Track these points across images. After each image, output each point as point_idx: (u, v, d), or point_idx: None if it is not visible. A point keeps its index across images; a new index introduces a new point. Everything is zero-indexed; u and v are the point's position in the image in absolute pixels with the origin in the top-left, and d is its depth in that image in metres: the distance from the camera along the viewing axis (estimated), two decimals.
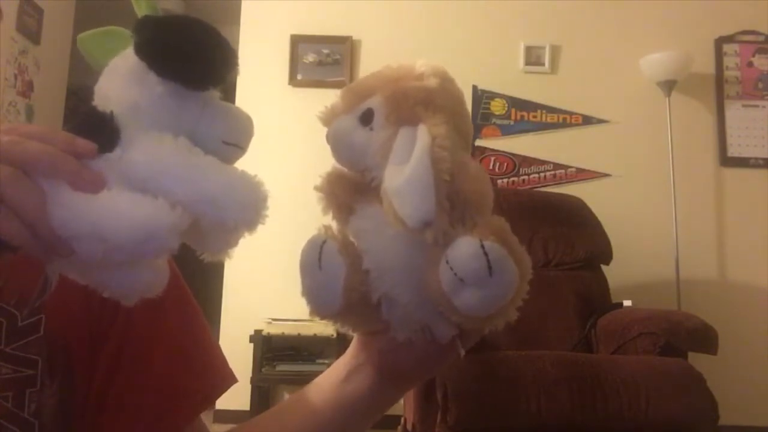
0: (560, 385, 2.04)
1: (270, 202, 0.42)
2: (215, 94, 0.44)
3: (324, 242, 0.47)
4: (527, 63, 3.57)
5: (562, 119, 3.55)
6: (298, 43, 3.57)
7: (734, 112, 3.55)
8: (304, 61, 3.57)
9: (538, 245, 2.84)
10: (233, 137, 0.45)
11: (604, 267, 2.95)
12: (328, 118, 0.50)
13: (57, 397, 0.55)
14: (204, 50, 0.41)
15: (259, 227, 0.43)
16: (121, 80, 0.43)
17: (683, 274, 3.27)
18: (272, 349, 3.19)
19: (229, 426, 0.66)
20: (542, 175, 3.51)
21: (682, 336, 2.26)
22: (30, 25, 3.41)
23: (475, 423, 2.03)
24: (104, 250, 0.37)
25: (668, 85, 3.34)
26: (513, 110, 3.54)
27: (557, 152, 3.52)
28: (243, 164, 0.43)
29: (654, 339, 2.30)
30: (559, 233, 2.88)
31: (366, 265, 0.47)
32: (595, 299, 2.81)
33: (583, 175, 3.51)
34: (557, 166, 3.51)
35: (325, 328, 3.05)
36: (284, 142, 3.41)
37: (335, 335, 3.05)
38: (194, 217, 0.40)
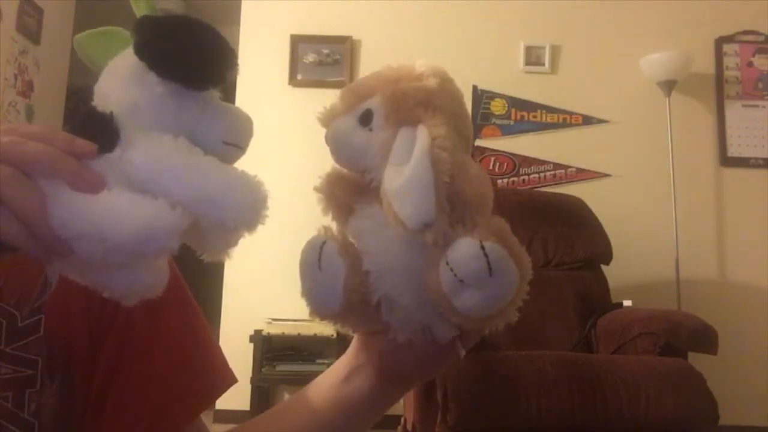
0: (560, 385, 2.04)
1: (270, 203, 0.42)
2: (215, 94, 0.44)
3: (324, 243, 0.47)
4: (527, 63, 3.57)
5: (562, 119, 3.55)
6: (298, 43, 3.57)
7: (734, 112, 3.55)
8: (304, 61, 3.57)
9: (538, 245, 2.84)
10: (233, 137, 0.45)
11: (604, 267, 2.95)
12: (327, 119, 0.50)
13: (57, 398, 0.55)
14: (204, 50, 0.41)
15: (259, 227, 0.43)
16: (121, 80, 0.43)
17: (683, 274, 3.27)
18: (272, 349, 3.19)
19: (229, 426, 0.66)
20: (542, 175, 3.51)
21: (682, 336, 2.26)
22: (30, 25, 3.41)
23: (475, 423, 2.03)
24: (104, 250, 0.37)
25: (668, 85, 3.34)
26: (513, 110, 3.54)
27: (557, 152, 3.52)
28: (243, 164, 0.43)
29: (654, 339, 2.31)
30: (559, 233, 2.88)
31: (366, 266, 0.47)
32: (595, 299, 2.81)
33: (583, 175, 3.51)
34: (557, 166, 3.51)
35: (325, 328, 3.05)
36: (284, 142, 3.41)
37: (335, 335, 3.05)
38: (194, 218, 0.40)
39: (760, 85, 3.58)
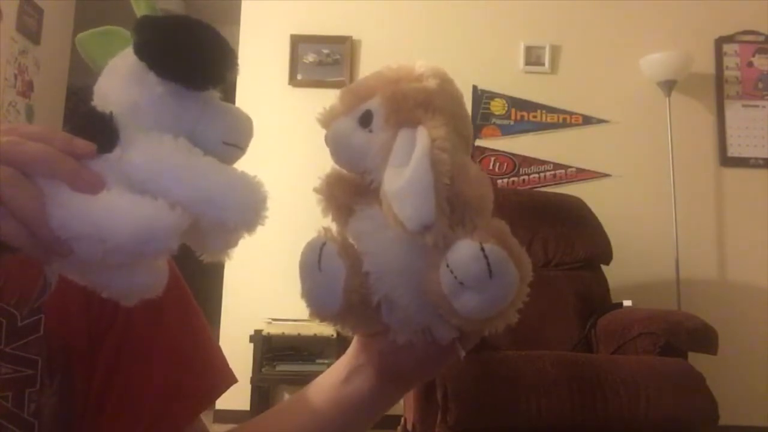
0: (560, 385, 2.04)
1: (270, 203, 0.42)
2: (215, 94, 0.44)
3: (323, 244, 0.47)
4: (527, 63, 3.57)
5: (562, 119, 3.55)
6: (298, 43, 3.57)
7: (734, 112, 3.55)
8: (304, 61, 3.57)
9: (538, 245, 2.84)
10: (233, 138, 0.45)
11: (604, 267, 2.95)
12: (327, 120, 0.50)
13: (57, 397, 0.55)
14: (203, 50, 0.41)
15: (259, 228, 0.43)
16: (121, 80, 0.43)
17: (683, 274, 3.27)
18: (272, 349, 3.19)
19: (229, 426, 0.66)
20: (542, 175, 3.51)
21: (682, 336, 2.26)
22: (30, 25, 3.41)
23: (475, 423, 2.03)
24: (104, 250, 0.37)
25: (668, 85, 3.34)
26: (513, 110, 3.54)
27: (557, 152, 3.52)
28: (243, 164, 0.43)
29: (654, 339, 2.31)
30: (559, 233, 2.88)
31: (366, 268, 0.47)
32: (595, 299, 2.81)
33: (583, 175, 3.51)
34: (557, 166, 3.51)
35: (325, 328, 3.05)
36: (284, 142, 3.41)
37: (335, 335, 3.05)
38: (194, 218, 0.40)
39: (760, 85, 3.58)
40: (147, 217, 0.38)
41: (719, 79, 3.58)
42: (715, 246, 3.46)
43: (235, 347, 2.92)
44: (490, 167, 3.48)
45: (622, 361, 2.22)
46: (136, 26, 0.42)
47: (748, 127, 3.54)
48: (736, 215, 3.47)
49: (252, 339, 3.12)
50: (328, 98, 0.50)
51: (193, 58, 0.41)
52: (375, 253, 0.47)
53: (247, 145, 0.45)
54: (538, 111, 3.55)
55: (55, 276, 0.42)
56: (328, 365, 0.67)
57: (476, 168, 0.46)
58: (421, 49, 3.48)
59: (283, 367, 3.14)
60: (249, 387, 3.09)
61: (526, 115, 3.55)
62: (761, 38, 3.61)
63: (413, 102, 0.46)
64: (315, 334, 3.06)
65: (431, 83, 0.47)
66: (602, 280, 2.90)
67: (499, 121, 3.54)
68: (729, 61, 3.59)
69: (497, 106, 3.54)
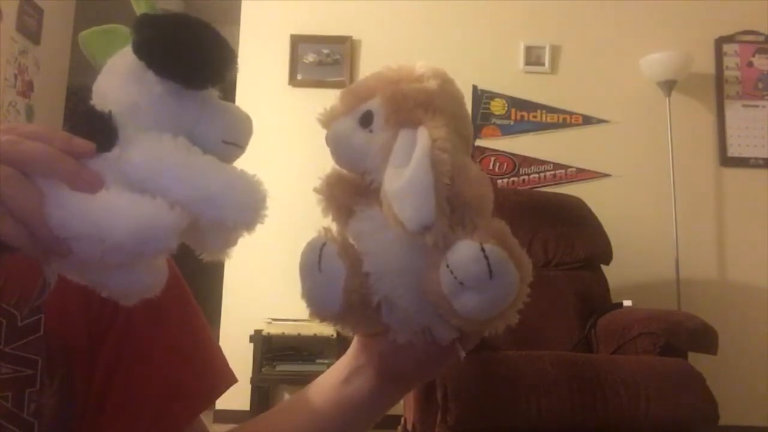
0: (560, 385, 2.04)
1: (269, 202, 0.42)
2: (214, 93, 0.44)
3: (324, 245, 0.47)
4: (527, 63, 3.57)
5: (562, 119, 3.55)
6: (298, 43, 3.57)
7: (734, 112, 3.55)
8: (304, 61, 3.57)
9: (538, 245, 2.84)
10: (232, 136, 0.44)
11: (604, 267, 2.95)
12: (328, 120, 0.50)
13: (56, 397, 0.55)
14: (203, 49, 0.41)
15: (259, 227, 0.42)
16: (120, 79, 0.43)
17: (683, 274, 3.27)
18: (272, 349, 3.19)
19: (229, 426, 0.66)
20: (542, 175, 3.51)
21: (682, 336, 2.26)
22: (30, 25, 3.41)
23: (475, 423, 2.03)
24: (103, 250, 0.37)
25: (668, 85, 3.34)
26: (513, 110, 3.54)
27: (557, 152, 3.52)
28: (243, 164, 0.43)
29: (654, 339, 2.30)
30: (559, 233, 2.88)
31: (366, 268, 0.47)
32: (595, 299, 2.81)
33: (583, 175, 3.51)
34: (557, 166, 3.51)
35: (325, 329, 3.05)
36: (284, 142, 3.40)
37: (335, 335, 3.05)
38: (193, 217, 0.40)
39: (760, 85, 3.58)
40: (146, 217, 0.38)
41: (719, 79, 3.58)
42: (715, 246, 3.46)
43: (235, 347, 2.92)
44: (490, 167, 3.48)
45: (622, 361, 2.22)
46: (135, 25, 0.42)
47: (748, 127, 3.54)
48: (736, 215, 3.47)
49: (252, 339, 3.12)
50: (328, 98, 0.50)
51: (192, 57, 0.41)
52: (375, 254, 0.47)
53: (246, 144, 0.45)
54: (538, 111, 3.55)
55: (54, 275, 0.41)
56: (328, 365, 0.67)
57: (476, 168, 0.46)
58: (421, 49, 3.48)
59: (283, 367, 3.14)
60: (249, 387, 3.09)
61: (526, 115, 3.55)
62: (761, 38, 3.61)
63: (414, 102, 0.46)
64: (315, 334, 3.06)
65: (432, 84, 0.47)
66: (602, 280, 2.90)
67: (499, 121, 3.54)
68: (729, 61, 3.59)
69: (497, 106, 3.54)
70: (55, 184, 0.38)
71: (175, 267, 0.58)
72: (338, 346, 3.07)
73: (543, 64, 3.57)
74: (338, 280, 0.46)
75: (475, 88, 3.52)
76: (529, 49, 3.57)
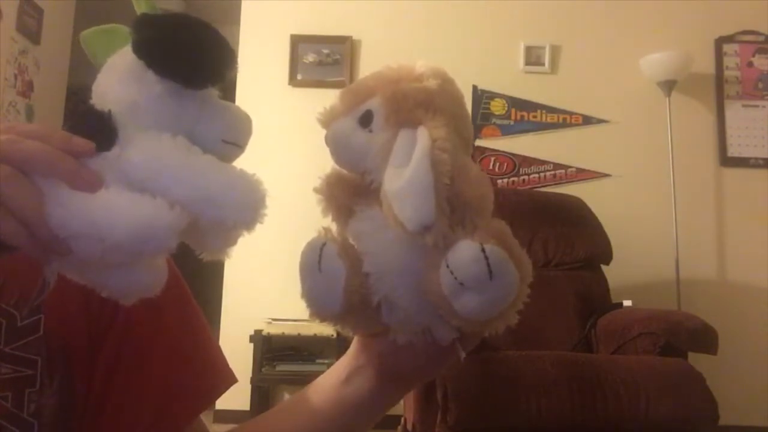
0: (560, 385, 2.04)
1: (269, 202, 0.42)
2: (214, 92, 0.44)
3: (324, 245, 0.47)
4: (527, 63, 3.57)
5: (562, 119, 3.55)
6: (298, 43, 3.57)
7: (734, 112, 3.55)
8: (304, 61, 3.57)
9: (538, 245, 2.84)
10: (232, 136, 0.44)
11: (604, 267, 2.94)
12: (327, 120, 0.50)
13: (56, 397, 0.55)
14: (202, 49, 0.41)
15: (259, 227, 0.42)
16: (119, 78, 0.43)
17: (683, 274, 3.27)
18: (272, 349, 3.19)
19: (229, 426, 0.66)
20: (542, 175, 3.51)
21: (682, 336, 2.26)
22: (30, 25, 3.41)
23: (475, 423, 2.03)
24: (102, 249, 0.37)
25: (668, 85, 3.34)
26: (513, 110, 3.54)
27: (557, 152, 3.52)
28: (243, 164, 0.43)
29: (654, 339, 2.30)
30: (559, 233, 2.88)
31: (366, 268, 0.47)
32: (595, 299, 2.80)
33: (583, 175, 3.51)
34: (557, 166, 3.51)
35: (325, 329, 3.05)
36: (284, 142, 3.40)
37: (335, 335, 3.05)
38: (193, 216, 0.40)
39: (760, 85, 3.58)
40: (146, 216, 0.38)
41: (719, 79, 3.58)
42: (715, 246, 3.46)
43: (235, 347, 2.92)
44: (490, 167, 3.48)
45: (622, 361, 2.22)
46: (135, 24, 0.42)
47: (748, 127, 3.54)
48: (736, 215, 3.47)
49: (252, 339, 3.12)
50: (328, 98, 0.50)
51: (192, 57, 0.41)
52: (375, 254, 0.47)
53: (246, 143, 0.45)
54: (538, 111, 3.55)
55: (54, 275, 0.41)
56: (328, 365, 0.67)
57: (476, 168, 0.46)
58: (421, 49, 3.48)
59: (283, 367, 3.14)
60: (249, 387, 3.09)
61: (526, 115, 3.55)
62: (761, 38, 3.61)
63: (414, 102, 0.46)
64: (315, 334, 3.06)
65: (432, 83, 0.47)
66: (602, 280, 2.90)
67: (499, 121, 3.54)
68: (729, 61, 3.59)
69: (497, 106, 3.54)
70: (54, 184, 0.38)
71: (175, 267, 0.58)
72: (338, 346, 3.07)
73: (543, 64, 3.57)
74: (338, 280, 0.46)
75: (475, 88, 3.52)
76: (529, 49, 3.57)
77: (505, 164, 3.51)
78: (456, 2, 3.59)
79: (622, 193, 3.45)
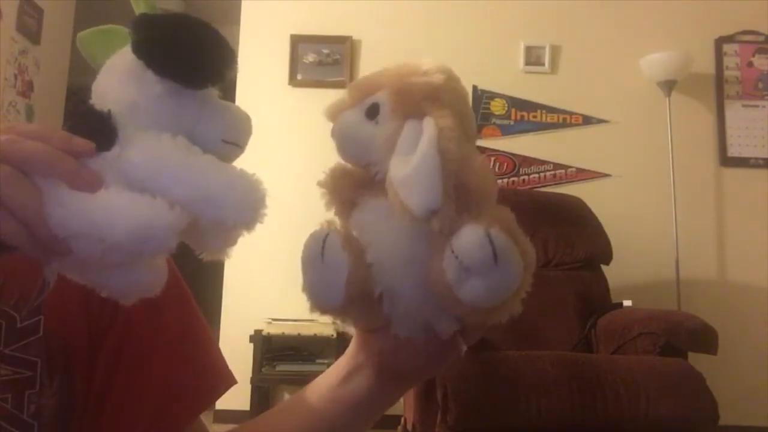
0: (560, 385, 2.04)
1: (269, 202, 0.42)
2: (213, 92, 0.44)
3: (327, 236, 0.47)
4: (527, 63, 3.57)
5: (562, 119, 3.55)
6: (298, 43, 3.57)
7: (734, 112, 3.55)
8: (304, 61, 3.57)
9: (538, 245, 2.82)
10: (232, 136, 0.44)
11: (604, 267, 2.94)
12: (334, 113, 0.50)
13: (56, 398, 0.55)
14: (202, 49, 0.41)
15: (259, 227, 0.42)
16: (119, 79, 0.43)
17: (683, 274, 3.27)
18: (272, 349, 3.18)
19: (229, 426, 0.66)
20: (542, 175, 3.51)
21: (682, 336, 2.26)
22: (30, 25, 3.41)
23: (475, 423, 2.03)
24: (102, 249, 0.37)
25: (668, 85, 3.34)
26: (513, 110, 3.54)
27: (557, 152, 3.52)
28: (243, 164, 0.43)
29: (654, 339, 2.30)
30: (559, 233, 2.88)
31: (369, 259, 0.47)
32: (595, 299, 2.80)
33: (583, 175, 3.51)
34: (557, 166, 3.51)
35: (325, 328, 3.06)
36: (284, 142, 3.40)
37: (335, 335, 3.05)
38: (193, 216, 0.40)
39: (760, 85, 3.58)
40: (145, 216, 0.38)
41: (719, 79, 3.58)
42: (715, 246, 3.46)
43: (235, 347, 2.93)
44: (490, 167, 3.47)
45: (622, 361, 2.22)
46: (134, 24, 0.42)
47: (748, 127, 3.54)
48: (736, 215, 3.47)
49: (252, 339, 3.12)
50: (328, 98, 0.51)
51: (192, 57, 0.41)
52: (378, 244, 0.47)
53: (246, 143, 0.45)
54: (538, 111, 3.55)
55: (53, 275, 0.41)
56: (328, 365, 0.67)
57: (481, 158, 0.46)
58: (421, 49, 3.48)
59: (283, 367, 3.14)
60: (249, 387, 3.09)
61: (526, 115, 3.55)
62: (761, 38, 3.61)
63: (420, 94, 0.46)
64: (315, 334, 3.06)
65: (438, 78, 0.47)
66: (602, 280, 2.90)
67: (499, 121, 3.54)
68: (729, 61, 3.59)
69: (497, 106, 3.54)
70: (54, 184, 0.38)
71: (175, 267, 0.58)
72: (338, 346, 3.07)
73: (543, 64, 3.57)
74: (341, 271, 0.46)
75: (475, 88, 3.52)
76: (529, 49, 3.57)
77: (505, 164, 3.51)
78: (456, 2, 3.59)
79: (622, 193, 3.45)
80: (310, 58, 3.57)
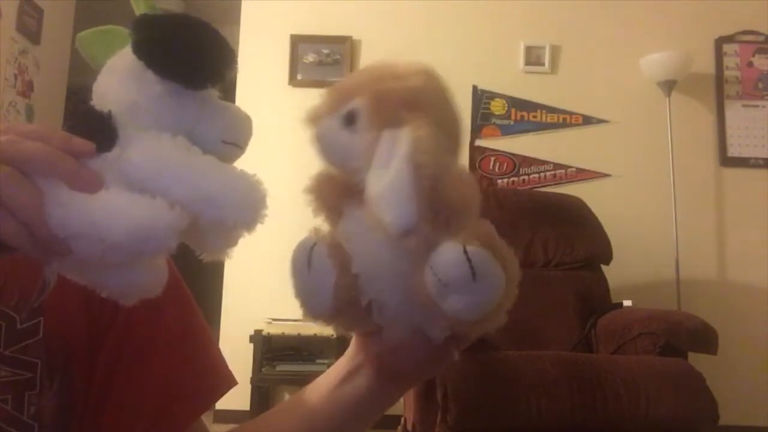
0: (560, 385, 2.04)
1: (269, 202, 0.42)
2: (214, 92, 0.44)
3: (314, 245, 0.47)
4: (527, 63, 3.57)
5: (562, 119, 3.55)
6: (298, 43, 3.57)
7: (734, 112, 3.55)
8: (304, 61, 3.57)
9: (538, 245, 2.84)
10: (232, 136, 0.44)
11: (604, 267, 2.94)
12: (312, 120, 0.49)
13: (56, 399, 0.55)
14: (202, 49, 0.41)
15: (259, 227, 0.42)
16: (119, 79, 0.43)
17: (683, 274, 3.27)
18: (272, 349, 3.18)
19: (229, 426, 0.66)
20: (542, 175, 3.51)
21: (682, 336, 2.26)
22: (30, 25, 3.41)
23: (475, 423, 2.03)
24: (102, 249, 0.37)
25: (668, 85, 3.34)
26: (513, 110, 3.54)
27: (557, 152, 3.52)
28: (243, 164, 0.43)
29: (654, 339, 2.30)
30: (559, 233, 2.88)
31: (355, 269, 0.46)
32: (595, 299, 2.80)
33: (583, 175, 3.51)
34: (557, 166, 3.51)
35: (325, 328, 3.05)
36: (284, 142, 3.40)
37: (335, 335, 3.05)
38: (193, 217, 0.40)
39: (760, 85, 3.58)
40: (146, 216, 0.38)
41: (719, 79, 3.57)
42: (715, 246, 3.46)
43: (235, 347, 2.92)
44: (490, 167, 3.48)
45: (622, 361, 2.22)
46: (135, 24, 0.42)
47: (748, 127, 3.54)
48: (736, 215, 3.47)
49: (252, 339, 3.12)
50: None
51: (192, 57, 0.41)
52: (363, 255, 0.46)
53: (246, 144, 0.45)
54: (538, 111, 3.55)
55: (53, 275, 0.41)
56: (328, 365, 0.67)
57: (461, 169, 0.46)
58: (421, 49, 3.48)
59: (283, 367, 3.14)
60: (249, 387, 3.09)
61: (526, 115, 3.55)
62: (761, 38, 3.61)
63: (397, 101, 0.45)
64: (315, 334, 3.06)
65: (416, 81, 0.46)
66: (602, 280, 2.90)
67: (499, 121, 3.54)
68: (729, 61, 3.58)
69: (497, 106, 3.54)
70: (54, 184, 0.38)
71: (175, 267, 0.58)
72: (338, 346, 3.07)
73: (543, 64, 3.57)
74: (328, 280, 0.46)
75: (475, 88, 3.51)
76: (529, 49, 3.57)
77: (505, 164, 3.51)
78: (456, 2, 3.59)
79: (622, 193, 3.45)
80: (310, 58, 3.57)
